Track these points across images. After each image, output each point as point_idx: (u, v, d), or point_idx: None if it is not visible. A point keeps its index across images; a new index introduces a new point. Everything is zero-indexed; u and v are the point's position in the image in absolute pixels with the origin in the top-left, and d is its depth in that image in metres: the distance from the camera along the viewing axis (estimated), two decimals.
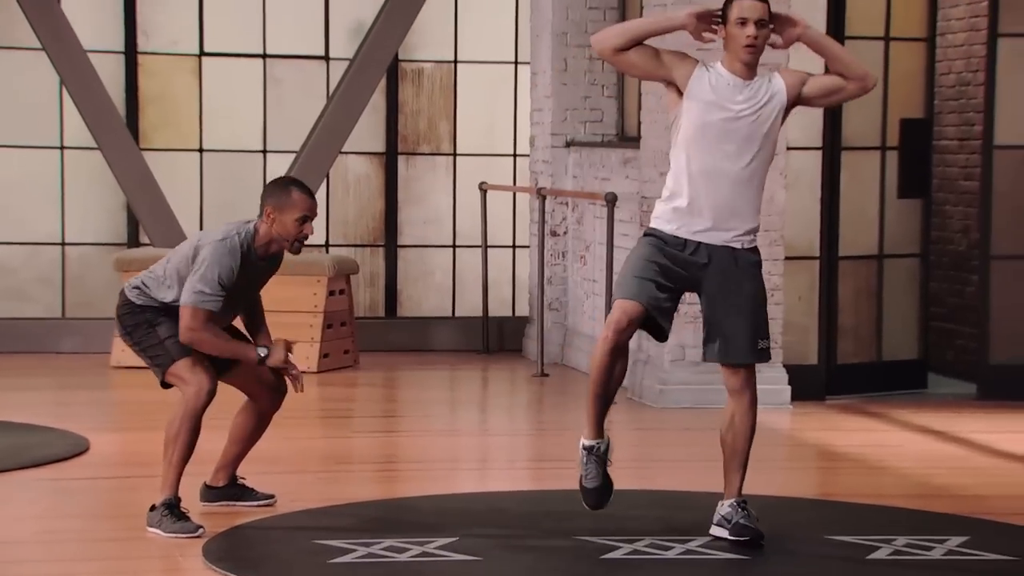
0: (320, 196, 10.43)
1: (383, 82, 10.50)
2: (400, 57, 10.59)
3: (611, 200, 8.48)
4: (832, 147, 8.48)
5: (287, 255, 5.52)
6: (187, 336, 5.32)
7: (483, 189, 10.30)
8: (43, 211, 10.36)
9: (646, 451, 7.27)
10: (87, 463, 6.56)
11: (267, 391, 5.64)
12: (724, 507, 5.20)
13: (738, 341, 5.08)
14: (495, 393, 9.33)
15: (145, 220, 10.15)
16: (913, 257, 8.85)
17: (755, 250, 5.13)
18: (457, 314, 10.75)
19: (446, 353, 10.24)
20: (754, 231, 5.12)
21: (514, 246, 10.78)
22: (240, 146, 10.56)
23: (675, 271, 5.03)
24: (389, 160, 10.74)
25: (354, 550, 5.06)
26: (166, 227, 10.03)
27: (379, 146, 10.73)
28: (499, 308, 10.59)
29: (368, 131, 10.64)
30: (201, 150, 10.46)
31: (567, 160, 9.91)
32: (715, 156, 4.99)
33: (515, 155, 10.79)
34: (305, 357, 9.24)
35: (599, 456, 5.11)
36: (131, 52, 10.35)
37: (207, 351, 5.36)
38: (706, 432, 7.49)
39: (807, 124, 8.41)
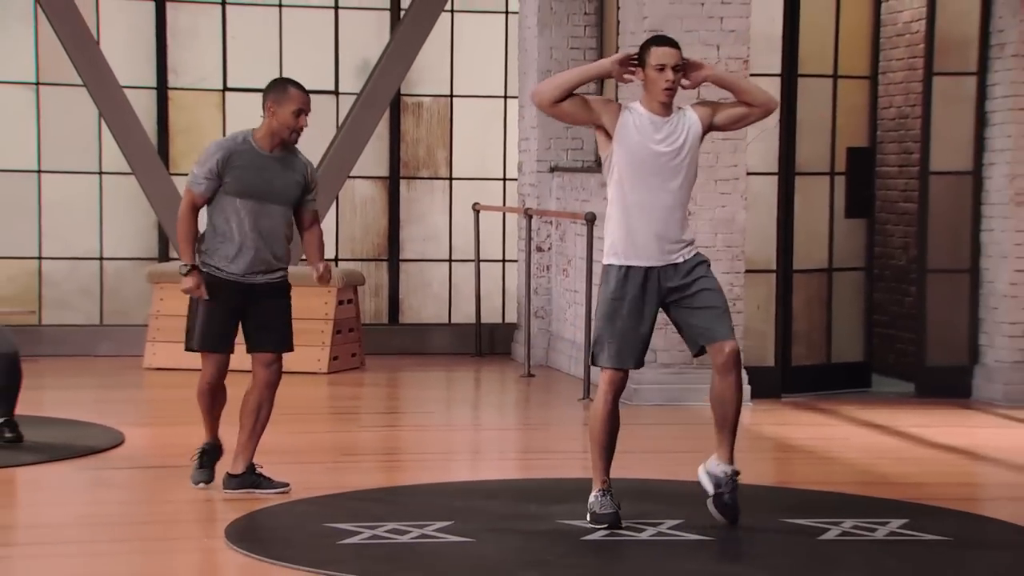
0: (330, 215, 10.43)
1: (387, 114, 10.49)
2: (402, 92, 10.58)
3: (590, 219, 8.48)
4: (787, 172, 8.48)
5: (302, 160, 5.61)
6: (179, 212, 5.57)
7: (476, 209, 10.29)
8: (84, 229, 10.33)
9: (621, 444, 7.23)
10: (123, 455, 6.53)
11: (259, 364, 5.67)
12: (719, 467, 5.17)
13: (714, 325, 5.06)
14: (486, 392, 9.31)
15: (174, 237, 10.11)
16: (859, 270, 8.85)
17: (697, 255, 5.14)
18: (453, 321, 10.72)
19: (443, 356, 10.21)
20: (690, 243, 5.14)
21: (504, 260, 10.76)
22: None
23: (642, 307, 5.07)
24: (392, 183, 10.72)
25: (360, 532, 5.04)
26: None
27: (383, 171, 10.71)
28: (490, 316, 10.57)
29: (373, 158, 10.62)
30: None
31: (551, 184, 9.90)
32: (647, 188, 5.03)
33: (505, 179, 10.78)
34: (316, 360, 9.22)
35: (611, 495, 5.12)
36: (162, 88, 10.33)
37: (177, 230, 5.60)
38: (675, 427, 7.50)
39: (765, 152, 8.42)
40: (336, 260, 10.54)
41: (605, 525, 5.08)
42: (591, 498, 5.15)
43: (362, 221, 10.71)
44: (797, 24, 8.37)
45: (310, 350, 9.23)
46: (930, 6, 8.53)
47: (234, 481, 5.66)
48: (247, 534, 5.04)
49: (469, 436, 7.68)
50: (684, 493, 5.63)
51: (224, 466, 5.75)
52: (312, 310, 9.24)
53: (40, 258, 10.24)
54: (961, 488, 5.40)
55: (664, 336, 8.11)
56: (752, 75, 8.13)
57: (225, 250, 5.57)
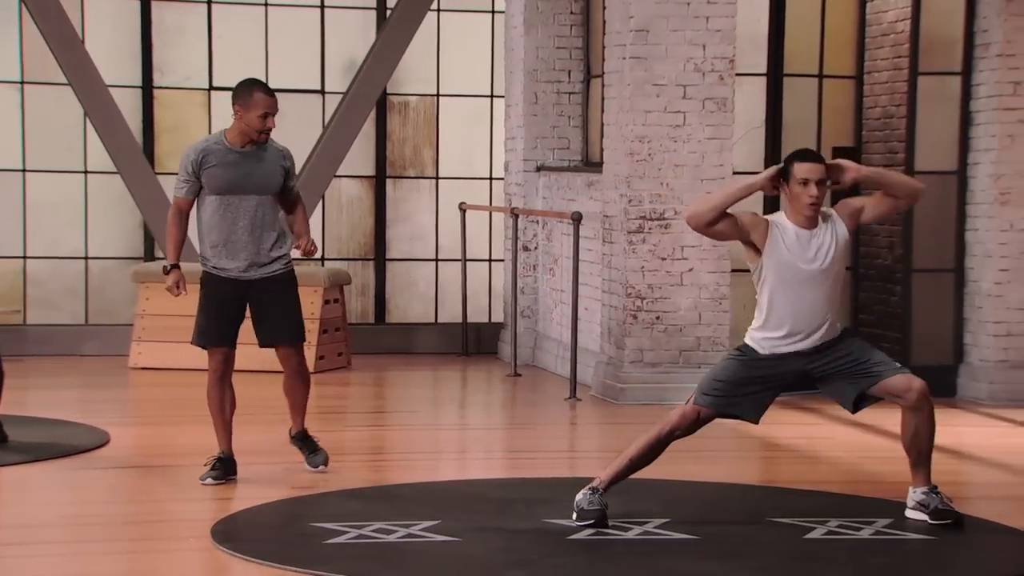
0: (316, 215, 10.42)
1: (373, 113, 10.48)
2: (388, 91, 10.57)
3: (577, 219, 8.48)
4: None
5: (276, 148, 5.78)
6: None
7: (462, 209, 10.29)
8: (69, 229, 10.31)
9: (608, 442, 7.27)
10: (108, 454, 6.52)
11: (279, 359, 5.89)
12: (918, 493, 5.29)
13: (879, 368, 5.18)
14: (473, 391, 9.31)
15: (159, 236, 10.09)
16: (845, 270, 8.85)
17: (840, 333, 5.24)
18: (439, 320, 10.72)
19: (429, 355, 10.21)
20: (834, 324, 5.22)
21: (490, 260, 10.76)
22: None
23: (765, 383, 5.22)
24: (378, 183, 10.71)
25: (347, 532, 5.04)
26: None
27: (369, 170, 10.70)
28: (477, 315, 10.57)
29: (360, 157, 10.61)
30: None
31: (538, 183, 9.90)
32: (797, 296, 5.14)
33: (491, 178, 10.78)
34: None
35: (601, 495, 5.17)
36: (148, 87, 10.31)
37: (168, 236, 5.77)
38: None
39: (751, 151, 8.43)
40: (323, 259, 10.54)
41: (591, 521, 5.08)
42: (579, 495, 5.16)
43: (348, 220, 10.70)
44: (783, 24, 8.39)
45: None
46: (915, 6, 8.56)
47: (291, 439, 6.09)
48: (233, 533, 5.04)
49: (456, 435, 7.69)
50: (670, 492, 5.64)
51: (239, 481, 5.89)
52: None
53: (25, 257, 10.21)
54: (946, 487, 5.41)
55: (651, 335, 8.13)
56: (738, 75, 8.16)
57: (217, 249, 5.72)
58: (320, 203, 10.39)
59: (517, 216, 9.50)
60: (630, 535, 5.06)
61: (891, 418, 7.78)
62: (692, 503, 5.58)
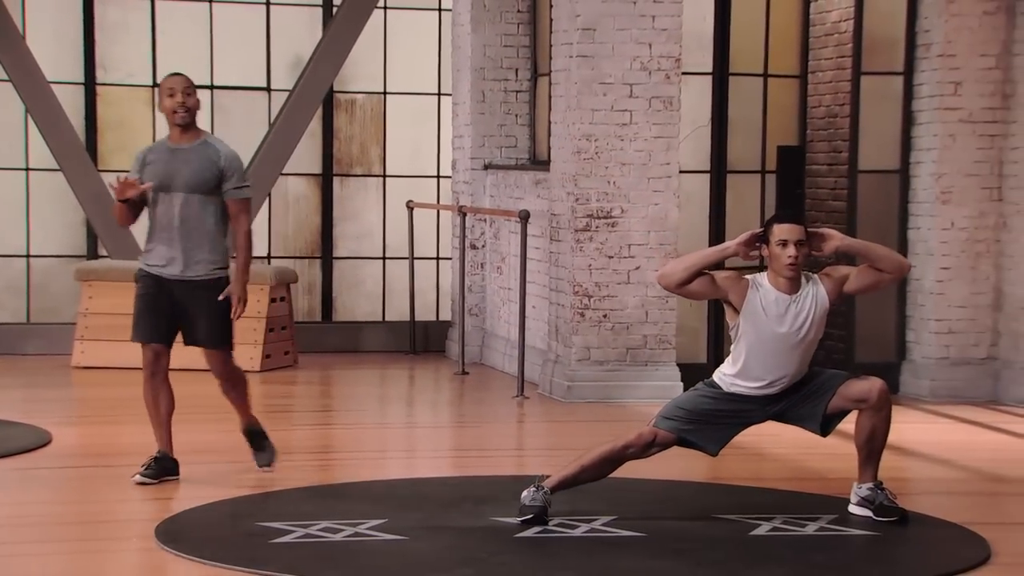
0: (263, 213, 10.35)
1: (319, 111, 10.43)
2: (335, 88, 10.52)
3: (524, 217, 8.49)
4: (718, 171, 8.54)
5: (216, 147, 5.71)
6: None
7: (410, 207, 10.26)
8: (10, 226, 10.17)
9: (555, 440, 7.27)
10: (50, 454, 6.44)
11: (205, 356, 5.81)
12: (863, 488, 5.31)
13: (836, 381, 5.24)
14: (421, 389, 9.29)
15: (103, 234, 9.99)
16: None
17: (811, 372, 5.27)
18: (387, 319, 10.69)
19: (377, 354, 10.18)
20: (808, 368, 5.25)
21: (438, 258, 10.74)
22: None
23: (735, 418, 5.25)
24: (325, 181, 10.66)
25: (293, 531, 5.01)
26: (122, 241, 9.87)
27: (316, 168, 10.65)
28: (424, 313, 10.55)
29: (306, 155, 10.55)
30: None
31: (485, 181, 9.90)
32: (772, 355, 5.16)
33: (439, 176, 10.76)
34: (249, 358, 9.13)
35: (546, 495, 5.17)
36: (90, 83, 10.20)
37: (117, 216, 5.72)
38: (609, 424, 7.53)
39: (697, 150, 8.47)
40: (269, 258, 10.47)
41: (530, 516, 5.08)
42: (524, 492, 5.16)
43: (295, 218, 10.64)
44: (728, 23, 8.44)
45: (243, 348, 9.09)
46: (858, 6, 8.63)
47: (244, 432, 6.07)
48: (178, 534, 4.99)
49: (403, 434, 7.66)
50: (617, 490, 5.65)
51: (184, 480, 5.78)
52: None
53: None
54: (889, 483, 5.46)
55: (598, 333, 8.15)
56: (684, 73, 8.20)
57: (149, 245, 5.72)
58: (267, 201, 10.32)
59: (465, 214, 9.49)
60: (577, 532, 5.07)
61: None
62: (639, 500, 5.59)
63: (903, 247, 8.59)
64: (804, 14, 8.85)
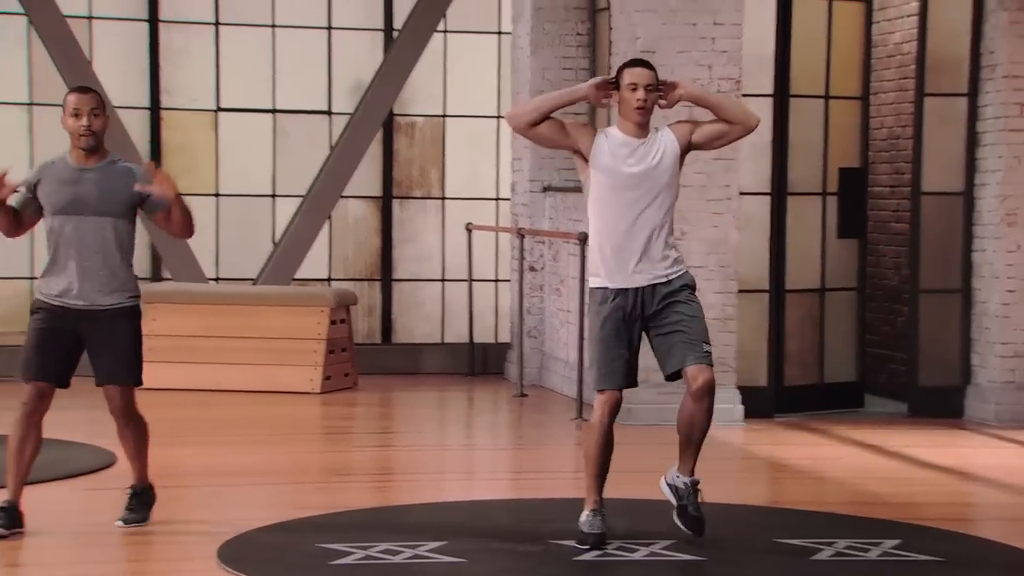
0: (323, 235, 10.44)
1: (380, 134, 10.51)
2: (395, 112, 10.61)
3: (583, 239, 8.49)
4: (779, 193, 8.51)
5: (126, 167, 5.24)
6: None
7: (469, 229, 10.30)
8: None
9: (614, 463, 7.23)
10: (114, 475, 6.51)
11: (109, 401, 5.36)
12: (679, 478, 5.20)
13: (687, 351, 5.09)
14: (479, 411, 9.30)
15: (167, 257, 10.12)
16: (851, 290, 8.87)
17: (682, 276, 5.14)
18: (446, 340, 10.73)
19: (436, 376, 10.21)
20: (675, 262, 5.13)
21: (497, 280, 10.77)
22: (252, 191, 10.55)
23: (627, 331, 5.11)
24: (385, 203, 10.73)
25: (353, 552, 5.03)
26: (185, 263, 10.01)
27: (376, 191, 10.73)
28: (483, 335, 10.57)
29: (366, 177, 10.64)
30: (217, 195, 10.45)
31: (544, 203, 9.92)
32: (624, 209, 5.04)
33: (497, 199, 10.80)
34: (309, 379, 9.22)
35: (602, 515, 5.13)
36: (155, 108, 10.35)
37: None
38: (668, 447, 7.49)
39: (757, 171, 8.44)
40: (329, 280, 10.55)
41: (587, 546, 5.07)
42: (581, 517, 5.16)
43: (355, 241, 10.72)
44: (789, 45, 8.41)
45: (303, 370, 9.23)
46: (921, 27, 8.58)
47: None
48: (239, 554, 5.03)
49: (462, 456, 7.68)
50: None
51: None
52: (305, 330, 9.25)
53: (32, 278, 10.22)
54: (953, 508, 5.40)
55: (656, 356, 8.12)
56: (744, 95, 8.18)
57: (48, 273, 5.21)
58: (327, 223, 10.41)
59: (523, 236, 9.51)
60: (637, 556, 5.05)
61: (897, 439, 7.78)
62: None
63: (967, 269, 8.51)
64: (866, 35, 8.81)
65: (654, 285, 5.10)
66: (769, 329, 8.47)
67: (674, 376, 5.19)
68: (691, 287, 5.16)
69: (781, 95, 8.42)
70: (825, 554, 5.12)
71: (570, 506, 5.54)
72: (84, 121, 5.15)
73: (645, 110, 5.04)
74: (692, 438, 5.18)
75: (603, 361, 5.12)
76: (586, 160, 5.09)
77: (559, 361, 9.56)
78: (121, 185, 5.24)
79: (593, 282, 5.16)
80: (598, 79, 5.15)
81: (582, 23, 9.82)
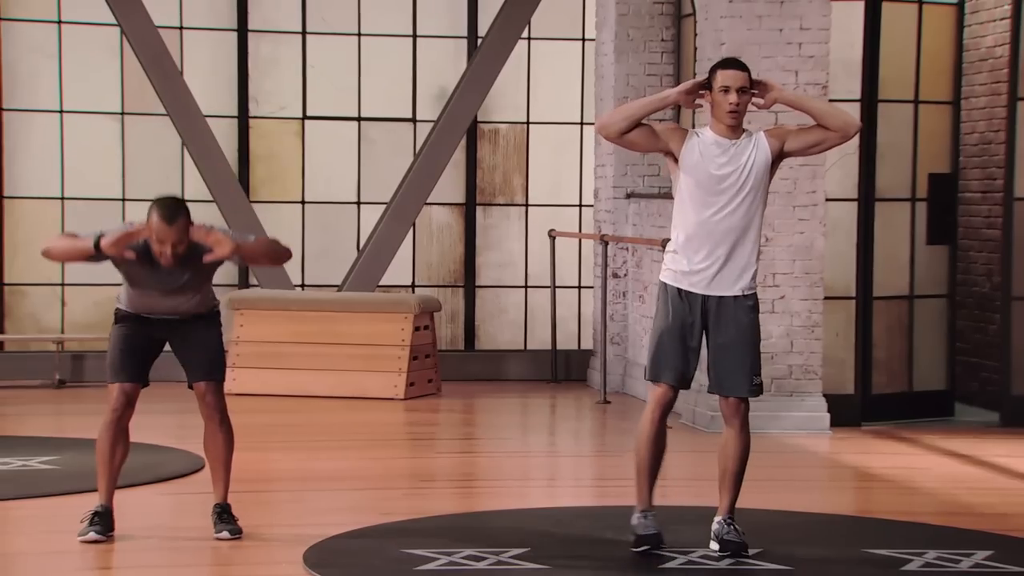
0: (407, 242, 10.49)
1: (463, 141, 10.55)
2: (478, 119, 10.63)
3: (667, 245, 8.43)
4: (867, 198, 8.39)
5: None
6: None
7: (552, 236, 10.29)
8: None
9: (699, 470, 7.20)
10: (202, 479, 6.58)
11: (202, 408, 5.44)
12: (715, 523, 5.15)
13: (735, 377, 5.04)
14: (562, 418, 9.28)
15: (253, 264, 10.22)
16: (941, 298, 8.72)
17: (752, 295, 5.08)
18: (529, 347, 10.72)
19: (519, 382, 10.21)
20: (752, 277, 5.07)
21: (580, 287, 10.75)
22: (337, 198, 10.64)
23: (689, 330, 5.05)
24: (468, 210, 10.76)
25: (437, 558, 5.04)
26: (272, 270, 10.10)
27: (459, 198, 10.76)
28: (566, 342, 10.55)
29: (450, 184, 10.67)
30: (303, 202, 10.55)
31: (627, 210, 9.88)
32: (711, 211, 4.98)
33: (580, 205, 10.78)
34: (393, 385, 9.26)
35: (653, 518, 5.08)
36: (243, 117, 10.47)
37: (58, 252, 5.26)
38: (752, 454, 7.42)
39: (843, 177, 8.33)
40: (413, 286, 10.60)
41: (647, 547, 5.01)
42: (633, 519, 5.10)
43: (439, 247, 10.76)
44: (877, 49, 8.29)
45: (386, 376, 9.28)
46: (1014, 31, 8.41)
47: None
48: (324, 559, 5.06)
49: (545, 462, 7.67)
50: (764, 522, 5.57)
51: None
52: (389, 336, 9.31)
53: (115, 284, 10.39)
54: None
55: None
56: (832, 100, 8.07)
57: (128, 293, 5.38)
58: (411, 231, 10.46)
59: (607, 243, 9.48)
60: (723, 565, 5.00)
61: (988, 449, 7.63)
62: (786, 533, 5.50)
63: None
64: (957, 39, 8.66)
65: (731, 296, 5.03)
66: (856, 336, 8.35)
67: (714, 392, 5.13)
68: (756, 308, 5.08)
69: (869, 100, 8.31)
70: (914, 565, 5.03)
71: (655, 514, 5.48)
72: (165, 251, 5.14)
73: (737, 112, 4.99)
74: (728, 470, 5.12)
75: (661, 356, 5.04)
76: (677, 161, 5.04)
77: (642, 368, 9.49)
78: (198, 266, 5.28)
79: (664, 277, 5.10)
80: (689, 83, 5.10)
81: (666, 29, 9.77)
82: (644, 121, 5.03)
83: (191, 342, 5.39)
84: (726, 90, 4.98)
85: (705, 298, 5.04)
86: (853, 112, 8.24)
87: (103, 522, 5.29)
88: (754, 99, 5.05)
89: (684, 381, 5.09)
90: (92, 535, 5.23)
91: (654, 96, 5.17)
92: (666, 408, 5.08)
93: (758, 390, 5.09)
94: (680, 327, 5.04)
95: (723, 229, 4.99)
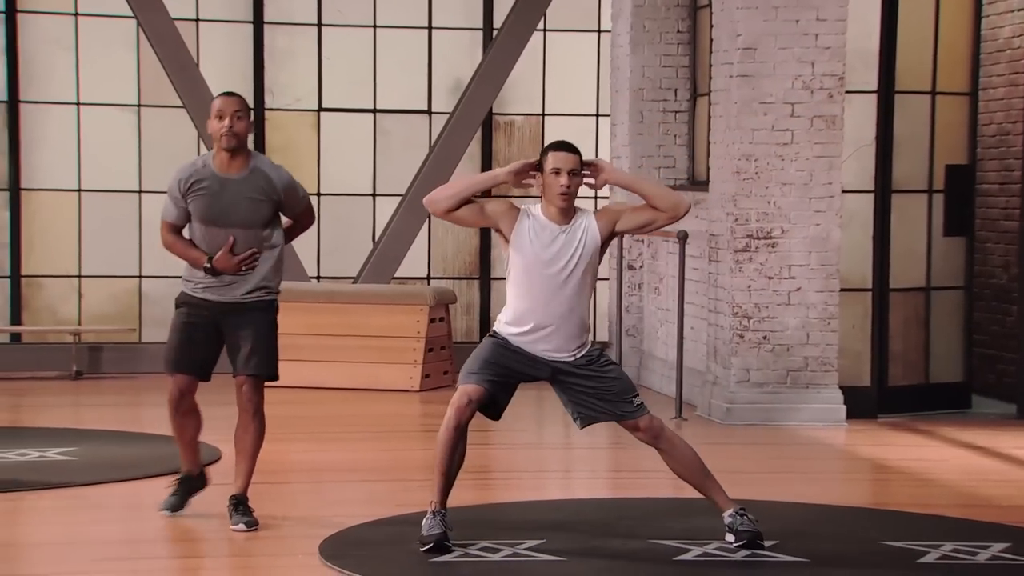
0: (422, 234, 10.49)
1: (479, 133, 10.54)
2: (494, 111, 10.62)
3: (683, 238, 8.43)
4: (883, 190, 8.36)
5: (265, 174, 5.32)
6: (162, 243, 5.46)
7: None
8: None
9: (715, 463, 7.16)
10: (221, 471, 6.59)
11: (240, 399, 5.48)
12: (726, 517, 5.12)
13: (614, 409, 5.13)
14: None
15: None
16: (958, 289, 8.69)
17: (586, 355, 5.09)
18: None
19: None
20: (584, 344, 5.09)
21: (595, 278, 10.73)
22: (353, 190, 10.64)
23: (516, 372, 5.10)
24: None
25: (453, 550, 5.04)
26: (287, 262, 10.08)
27: None
28: None
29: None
30: (319, 194, 10.55)
31: (642, 202, 9.84)
32: (542, 292, 4.99)
33: (596, 197, 10.76)
34: (408, 377, 9.27)
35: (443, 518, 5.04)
36: (259, 108, 10.48)
37: (175, 253, 5.45)
38: (768, 446, 7.42)
39: (860, 169, 8.31)
40: (428, 278, 10.61)
41: (430, 545, 4.95)
42: (424, 521, 5.05)
43: (454, 239, 10.76)
44: (894, 40, 8.26)
45: (402, 368, 9.29)
46: None
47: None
48: (340, 550, 5.07)
49: (560, 454, 7.66)
50: (780, 514, 5.56)
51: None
52: (404, 328, 9.31)
53: (141, 276, 10.43)
54: None
55: (757, 355, 8.04)
56: (848, 92, 8.06)
57: (197, 275, 5.43)
58: (426, 223, 10.46)
59: (622, 235, 9.45)
60: (739, 556, 5.00)
61: (1006, 441, 7.60)
62: (802, 525, 5.49)
63: None
64: (975, 30, 8.62)
65: (565, 362, 5.07)
66: (872, 328, 8.33)
67: (585, 424, 5.22)
68: (599, 359, 5.10)
69: (886, 91, 8.28)
70: (931, 557, 5.01)
71: (669, 505, 5.50)
72: (227, 124, 5.25)
73: (569, 195, 5.00)
74: (698, 477, 5.15)
75: (495, 371, 5.08)
76: (507, 240, 5.05)
77: (658, 360, 9.50)
78: (259, 197, 5.33)
79: (501, 329, 5.09)
80: (518, 164, 5.12)
81: (682, 20, 9.75)
82: (474, 199, 5.04)
83: (241, 332, 5.43)
84: (557, 172, 5.00)
85: (544, 361, 5.06)
86: (870, 103, 8.23)
87: (186, 488, 5.54)
88: (586, 180, 5.08)
89: (490, 390, 5.15)
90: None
91: (483, 175, 5.23)
92: (467, 415, 5.14)
93: (643, 408, 5.18)
94: (503, 363, 5.06)
95: (556, 308, 5.00)
